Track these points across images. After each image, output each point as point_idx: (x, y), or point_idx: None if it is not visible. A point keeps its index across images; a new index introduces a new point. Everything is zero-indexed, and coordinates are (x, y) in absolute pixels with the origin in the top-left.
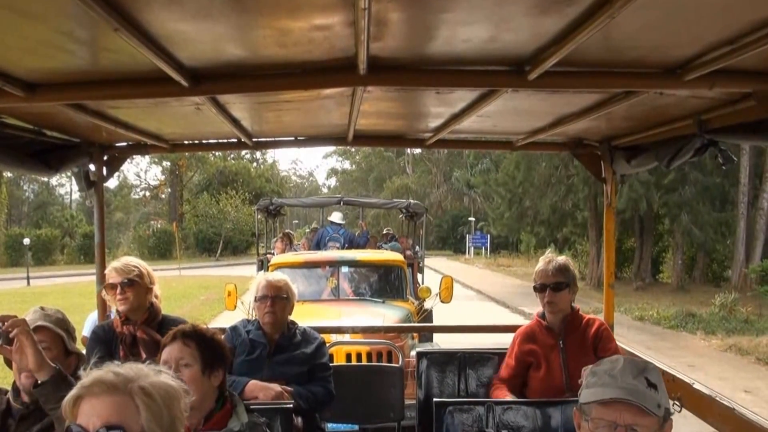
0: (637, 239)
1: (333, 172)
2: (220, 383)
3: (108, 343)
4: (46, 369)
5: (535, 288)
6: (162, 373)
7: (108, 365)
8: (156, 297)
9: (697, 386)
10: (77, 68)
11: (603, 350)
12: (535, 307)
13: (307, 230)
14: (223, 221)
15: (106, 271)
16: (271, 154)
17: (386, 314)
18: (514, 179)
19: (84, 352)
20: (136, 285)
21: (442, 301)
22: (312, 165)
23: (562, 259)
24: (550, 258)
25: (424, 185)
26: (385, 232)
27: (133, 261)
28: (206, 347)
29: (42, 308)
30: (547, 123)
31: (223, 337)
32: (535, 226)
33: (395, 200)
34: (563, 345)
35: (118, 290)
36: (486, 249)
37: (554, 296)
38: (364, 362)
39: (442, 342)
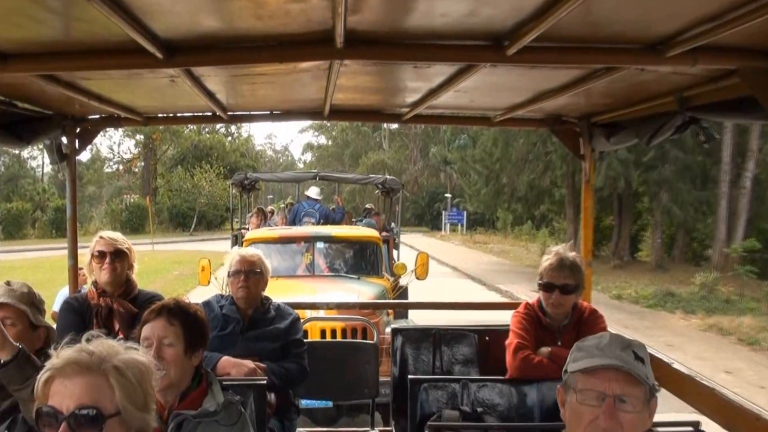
0: (616, 217)
1: (309, 147)
2: (198, 362)
3: (82, 314)
4: (8, 348)
5: (540, 285)
6: (131, 350)
7: (79, 345)
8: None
9: (676, 366)
10: (49, 38)
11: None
12: (511, 285)
13: (282, 205)
14: (198, 196)
15: (95, 240)
16: (246, 129)
17: (361, 290)
18: (492, 155)
19: (54, 327)
20: (124, 258)
21: (417, 278)
22: (287, 139)
23: (573, 256)
24: (561, 254)
25: (401, 161)
26: (368, 206)
27: (121, 235)
28: (191, 326)
29: (8, 283)
30: (526, 99)
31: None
32: (512, 203)
33: (371, 176)
34: (561, 345)
35: (107, 259)
36: (462, 226)
37: (562, 299)
38: (339, 339)
39: (418, 319)
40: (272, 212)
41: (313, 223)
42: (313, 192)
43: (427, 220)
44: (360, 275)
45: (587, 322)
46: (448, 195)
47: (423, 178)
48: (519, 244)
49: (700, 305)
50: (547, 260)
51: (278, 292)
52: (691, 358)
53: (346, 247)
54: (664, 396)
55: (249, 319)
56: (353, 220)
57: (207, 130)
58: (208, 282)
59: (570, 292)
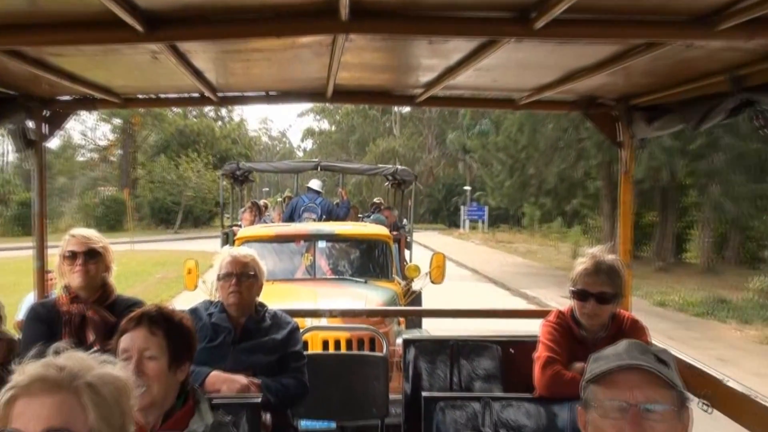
0: (659, 213)
1: (309, 133)
2: (184, 378)
3: (50, 323)
4: None
5: (573, 292)
6: (107, 364)
7: (47, 359)
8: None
9: (730, 383)
10: (14, 9)
11: None
12: (539, 290)
13: (279, 199)
14: (183, 188)
15: (65, 239)
16: (239, 112)
17: (369, 296)
18: (517, 143)
19: (19, 338)
20: (100, 259)
21: (432, 282)
22: (285, 125)
23: (612, 259)
24: (597, 258)
25: (414, 149)
26: (376, 201)
27: (95, 233)
28: (175, 337)
29: None
30: (555, 78)
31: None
32: (540, 197)
33: (380, 166)
34: None
35: (79, 260)
36: (483, 223)
37: (598, 309)
38: (344, 350)
39: (433, 328)
40: (266, 206)
41: (314, 220)
42: (314, 184)
43: (444, 216)
44: (367, 279)
45: (627, 334)
46: (467, 188)
47: (439, 169)
48: (547, 244)
49: (758, 314)
50: (581, 264)
51: (274, 298)
52: (748, 374)
53: (352, 247)
54: (716, 418)
55: (241, 328)
56: (359, 216)
57: (194, 113)
58: (195, 286)
59: (607, 302)
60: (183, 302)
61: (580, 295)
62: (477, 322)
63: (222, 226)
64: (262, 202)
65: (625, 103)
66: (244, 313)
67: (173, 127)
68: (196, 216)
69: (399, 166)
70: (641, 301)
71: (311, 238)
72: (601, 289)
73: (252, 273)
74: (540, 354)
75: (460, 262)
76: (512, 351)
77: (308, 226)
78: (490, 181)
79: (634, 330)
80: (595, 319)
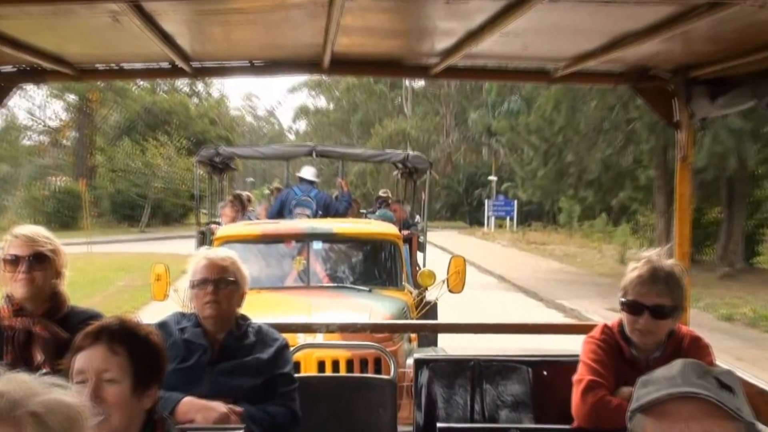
0: (724, 209)
1: (303, 111)
2: (151, 405)
3: None
4: None
5: (624, 304)
6: (56, 388)
7: None
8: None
9: None
10: None
11: None
12: (578, 302)
13: (266, 191)
14: (151, 178)
15: (7, 239)
16: (218, 86)
17: (374, 308)
18: (552, 124)
19: None
20: (48, 264)
21: (450, 291)
22: (273, 102)
23: (671, 265)
24: (654, 263)
25: (428, 132)
26: (382, 193)
27: (44, 231)
28: (141, 356)
29: None
30: (599, 45)
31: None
32: (581, 189)
33: (388, 151)
34: None
35: (23, 267)
36: (512, 220)
37: (653, 324)
38: (343, 372)
39: (450, 346)
40: (250, 200)
41: (309, 216)
42: (308, 173)
43: (464, 212)
44: (372, 287)
45: (687, 355)
46: (492, 178)
47: (459, 155)
48: (589, 246)
49: None
50: (634, 270)
51: (260, 310)
52: None
53: (353, 249)
54: None
55: (220, 345)
56: (363, 211)
57: (164, 88)
58: (165, 296)
59: (665, 316)
60: (150, 315)
61: (632, 307)
62: (503, 338)
63: (197, 223)
64: (245, 195)
65: (684, 76)
66: (222, 328)
67: (139, 104)
68: (166, 212)
69: (410, 152)
70: (703, 314)
71: (304, 238)
72: (657, 300)
73: (232, 279)
74: (581, 377)
75: (483, 267)
76: (545, 373)
77: (301, 223)
78: (520, 170)
79: (695, 349)
80: (650, 336)
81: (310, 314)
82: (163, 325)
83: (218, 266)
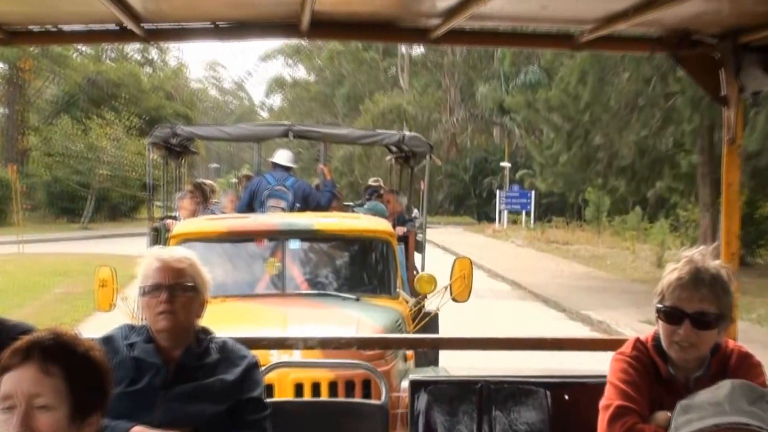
0: None
1: (277, 84)
2: None
3: None
4: None
5: (660, 312)
6: None
7: None
8: None
9: None
10: None
11: None
12: (607, 312)
13: (233, 179)
14: (95, 164)
15: None
16: (176, 53)
17: (362, 319)
18: (577, 100)
19: None
20: None
21: (454, 299)
22: (243, 72)
23: (717, 266)
24: (696, 263)
25: (429, 108)
26: (372, 182)
27: None
28: (80, 377)
29: None
30: (631, 5)
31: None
32: (611, 178)
33: (379, 132)
34: None
35: None
36: (529, 215)
37: (695, 336)
38: (325, 397)
39: (454, 366)
40: (213, 190)
41: (284, 210)
42: (284, 158)
43: (472, 205)
44: (360, 294)
45: (734, 374)
46: (505, 164)
47: (465, 137)
48: (620, 246)
49: None
50: (673, 272)
51: (225, 322)
52: None
53: (338, 249)
54: None
55: (176, 365)
56: (349, 204)
57: (111, 54)
58: (111, 305)
59: (708, 326)
60: (94, 328)
61: (669, 315)
62: (517, 356)
63: (150, 218)
64: (208, 184)
65: (732, 42)
66: (179, 343)
67: (80, 75)
68: (113, 204)
69: (407, 132)
70: (755, 327)
71: (279, 236)
72: (700, 307)
73: (191, 284)
74: (609, 401)
75: (493, 271)
76: (567, 397)
77: (275, 218)
78: (538, 154)
79: (745, 369)
80: (691, 350)
81: (286, 327)
82: (108, 340)
83: (174, 269)
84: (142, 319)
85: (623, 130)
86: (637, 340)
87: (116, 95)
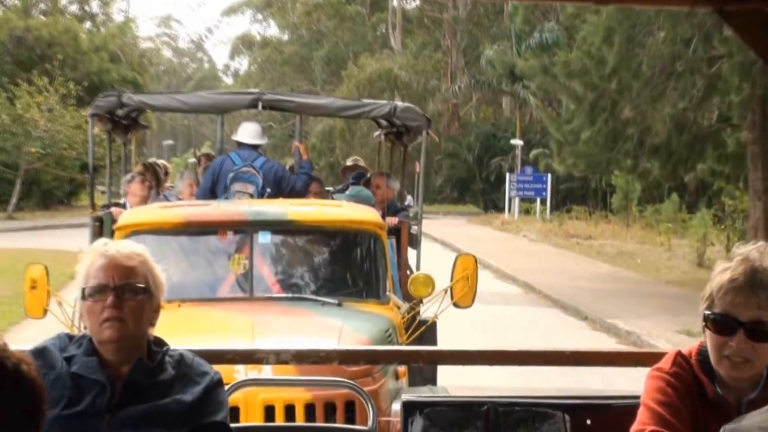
0: None
1: (244, 44)
2: None
3: None
4: None
5: (708, 320)
6: None
7: None
8: None
9: None
10: None
11: None
12: (638, 321)
13: (191, 159)
14: (23, 140)
15: None
16: (121, 5)
17: (345, 328)
18: (603, 64)
19: None
20: None
21: (455, 305)
22: (202, 29)
23: None
24: (752, 261)
25: (425, 74)
26: (350, 163)
27: None
28: (6, 397)
29: None
30: None
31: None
32: (642, 159)
33: (366, 102)
34: None
35: None
36: (545, 203)
37: (749, 349)
38: (301, 422)
39: (454, 383)
40: (167, 171)
41: (252, 196)
42: (251, 133)
43: (477, 190)
44: (343, 298)
45: None
46: (516, 142)
47: (469, 109)
48: (653, 240)
49: None
50: (725, 272)
51: (181, 331)
52: None
53: (316, 244)
54: None
55: (124, 382)
56: (329, 189)
57: (42, 7)
58: (44, 310)
59: (767, 337)
60: (23, 339)
61: (720, 324)
62: (531, 372)
63: (92, 206)
64: (161, 165)
65: None
66: (128, 357)
67: (4, 32)
68: (46, 189)
69: (399, 103)
70: None
71: (246, 228)
72: (758, 314)
73: (142, 286)
74: (642, 425)
75: (502, 270)
76: (589, 422)
77: (241, 206)
78: (556, 130)
79: None
80: (744, 367)
81: (254, 337)
82: (41, 353)
83: (122, 267)
84: (82, 328)
85: (657, 101)
86: (678, 354)
87: (49, 56)
